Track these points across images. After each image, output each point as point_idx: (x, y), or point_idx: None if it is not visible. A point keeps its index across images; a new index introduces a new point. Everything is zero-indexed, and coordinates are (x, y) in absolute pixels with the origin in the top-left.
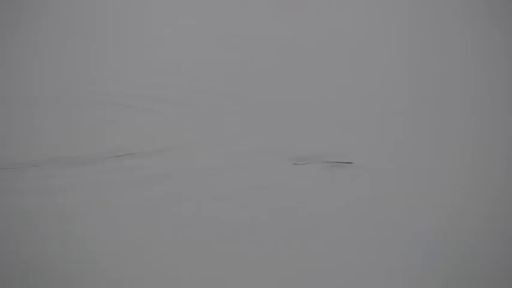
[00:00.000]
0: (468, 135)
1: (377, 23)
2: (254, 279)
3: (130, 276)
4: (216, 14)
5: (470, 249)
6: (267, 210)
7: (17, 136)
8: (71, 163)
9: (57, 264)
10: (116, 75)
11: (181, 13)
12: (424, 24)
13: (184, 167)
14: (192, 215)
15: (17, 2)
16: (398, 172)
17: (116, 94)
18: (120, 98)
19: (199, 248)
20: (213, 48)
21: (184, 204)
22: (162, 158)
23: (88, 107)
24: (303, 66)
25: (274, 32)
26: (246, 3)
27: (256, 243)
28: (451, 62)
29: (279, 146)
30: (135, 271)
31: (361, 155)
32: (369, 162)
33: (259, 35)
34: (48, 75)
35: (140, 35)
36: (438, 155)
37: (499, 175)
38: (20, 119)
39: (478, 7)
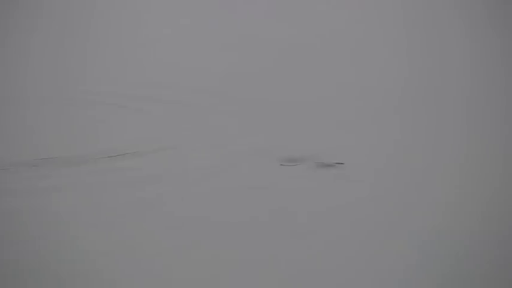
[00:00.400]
0: (463, 135)
1: (374, 23)
2: (247, 280)
3: (123, 276)
4: (211, 15)
5: (464, 249)
6: (262, 211)
7: (9, 136)
8: (63, 163)
9: (50, 264)
10: (109, 75)
11: (177, 13)
12: (420, 25)
13: (176, 167)
14: (184, 215)
15: (10, 3)
16: (393, 173)
17: (108, 94)
18: (113, 98)
19: (191, 248)
20: (206, 49)
21: (176, 204)
22: (154, 159)
23: (81, 107)
24: (299, 66)
25: (270, 32)
26: (241, 3)
27: (250, 243)
28: (447, 62)
29: (273, 146)
30: (128, 271)
31: (357, 155)
32: (365, 163)
33: (255, 36)
34: (41, 75)
35: (134, 35)
36: (433, 155)
37: (493, 175)
38: (13, 119)
39: (475, 8)
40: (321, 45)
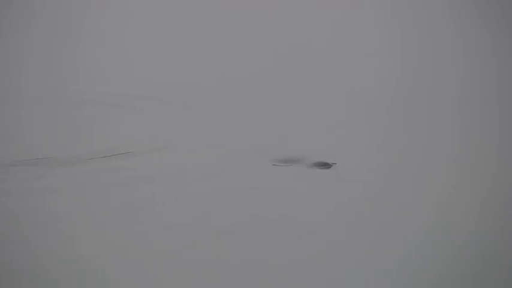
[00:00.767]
0: (456, 135)
1: (366, 24)
2: (243, 281)
3: (118, 277)
4: (207, 15)
5: (459, 249)
6: (257, 211)
7: (3, 137)
8: (58, 163)
9: (45, 264)
10: (103, 75)
11: (172, 13)
12: (412, 26)
13: (171, 167)
14: (179, 215)
15: (3, 3)
16: (386, 173)
17: (102, 94)
18: (107, 97)
19: (186, 249)
20: (201, 49)
21: (171, 204)
22: (149, 159)
23: (75, 107)
24: (294, 67)
25: (266, 33)
26: (236, 3)
27: (247, 244)
28: (439, 62)
29: (268, 147)
30: (123, 271)
31: (350, 155)
32: (358, 163)
33: (251, 37)
34: (35, 75)
35: (128, 35)
36: (426, 155)
37: (487, 175)
38: (7, 119)
39: (467, 8)
40: (314, 47)
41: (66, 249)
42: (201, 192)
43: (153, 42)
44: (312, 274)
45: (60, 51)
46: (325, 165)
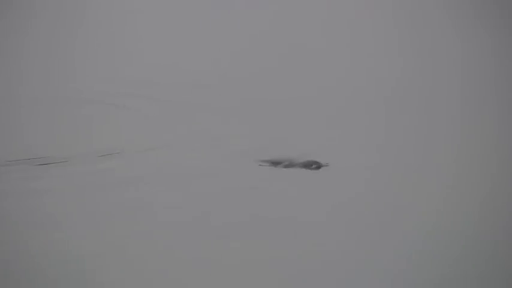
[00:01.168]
0: (455, 135)
1: (365, 25)
2: (243, 280)
3: (114, 276)
4: (206, 15)
5: (459, 248)
6: (255, 211)
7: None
8: (54, 163)
9: (41, 264)
10: (101, 74)
11: (170, 13)
12: (411, 26)
13: (167, 167)
14: (175, 215)
15: (2, 3)
16: (385, 173)
17: (102, 93)
18: (106, 97)
19: (183, 249)
20: (202, 49)
21: (168, 204)
22: (147, 158)
23: (73, 106)
24: (293, 67)
25: (263, 34)
26: (234, 3)
27: (245, 244)
28: (438, 63)
29: (263, 147)
30: (119, 271)
31: (349, 156)
32: (357, 163)
33: (248, 37)
34: (33, 74)
35: (128, 35)
36: (425, 155)
37: (486, 176)
38: (5, 118)
39: (466, 8)
40: (314, 47)
41: (63, 249)
42: (199, 192)
43: (153, 42)
44: (312, 274)
45: (60, 51)
46: (317, 165)
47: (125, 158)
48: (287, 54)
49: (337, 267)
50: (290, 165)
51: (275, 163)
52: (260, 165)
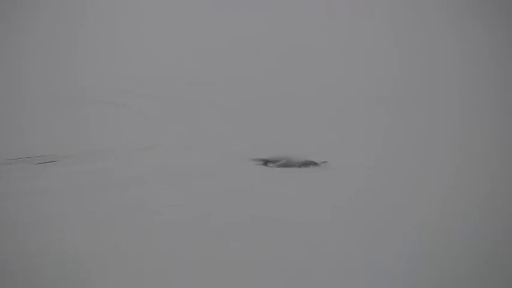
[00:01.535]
0: (455, 135)
1: (364, 25)
2: (243, 279)
3: (112, 277)
4: (205, 16)
5: (459, 248)
6: (255, 211)
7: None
8: (54, 162)
9: (39, 264)
10: (101, 74)
11: (168, 13)
12: (410, 26)
13: (167, 166)
14: (175, 215)
15: (4, 3)
16: (385, 173)
17: (101, 93)
18: (107, 96)
19: (181, 249)
20: (201, 49)
21: (166, 204)
22: (145, 158)
23: (72, 105)
24: (293, 67)
25: (261, 34)
26: (233, 3)
27: (244, 244)
28: (437, 63)
29: (261, 147)
30: (118, 271)
31: (349, 156)
32: (357, 164)
33: (247, 37)
34: (33, 74)
35: (128, 34)
36: (425, 155)
37: (486, 176)
38: (5, 118)
39: (463, 8)
40: (313, 47)
41: (62, 248)
42: (198, 192)
43: (153, 41)
44: (312, 274)
45: (60, 50)
46: (317, 165)
47: (124, 157)
48: (287, 54)
49: (337, 267)
50: (290, 165)
51: (275, 163)
52: (260, 165)
